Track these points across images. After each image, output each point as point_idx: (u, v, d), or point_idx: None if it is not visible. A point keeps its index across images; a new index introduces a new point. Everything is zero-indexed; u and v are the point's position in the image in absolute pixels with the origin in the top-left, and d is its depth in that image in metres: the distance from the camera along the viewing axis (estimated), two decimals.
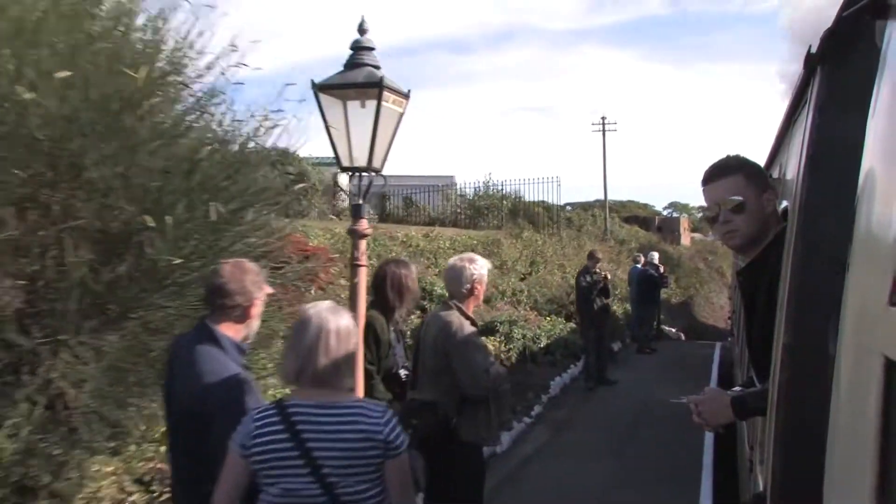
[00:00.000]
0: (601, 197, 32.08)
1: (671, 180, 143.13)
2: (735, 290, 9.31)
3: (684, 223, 35.45)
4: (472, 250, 12.37)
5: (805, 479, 1.46)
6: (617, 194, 60.49)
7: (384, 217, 20.32)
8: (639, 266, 15.41)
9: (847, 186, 1.21)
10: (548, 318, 12.72)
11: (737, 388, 2.43)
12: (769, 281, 1.93)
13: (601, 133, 32.94)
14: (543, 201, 21.54)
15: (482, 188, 20.64)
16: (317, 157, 23.17)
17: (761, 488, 2.06)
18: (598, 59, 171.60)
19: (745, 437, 3.32)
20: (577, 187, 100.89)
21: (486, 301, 11.69)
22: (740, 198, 2.03)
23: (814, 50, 1.70)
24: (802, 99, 2.07)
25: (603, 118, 33.06)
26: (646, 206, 49.40)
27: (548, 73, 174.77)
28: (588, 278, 10.94)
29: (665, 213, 50.99)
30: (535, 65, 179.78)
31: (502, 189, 20.59)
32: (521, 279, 14.27)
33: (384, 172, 3.98)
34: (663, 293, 17.15)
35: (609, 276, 11.34)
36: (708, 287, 26.74)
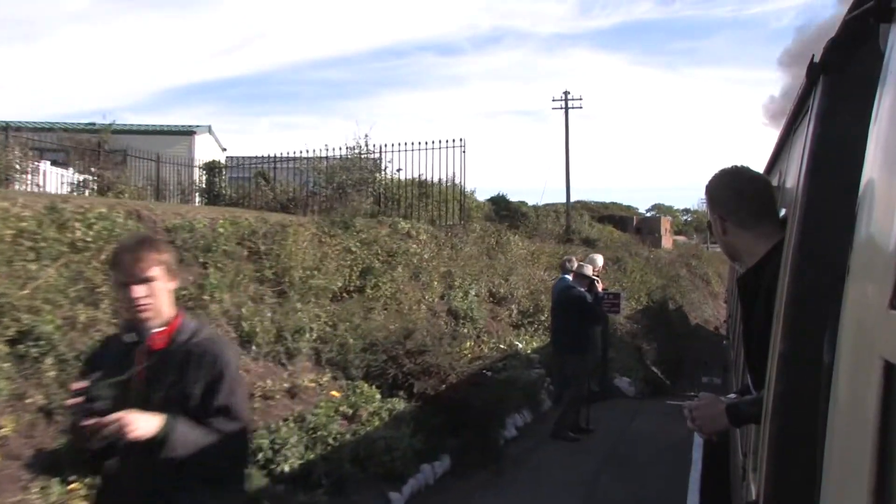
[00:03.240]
0: (581, 199, 31.24)
1: (657, 184, 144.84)
2: (732, 296, 9.38)
3: (666, 224, 35.08)
4: (209, 250, 7.18)
5: (799, 487, 1.54)
6: (600, 196, 60.95)
7: (214, 198, 15.87)
8: (568, 278, 9.05)
9: (848, 194, 1.25)
10: (368, 390, 7.11)
11: (732, 395, 2.52)
12: (768, 289, 2.03)
13: (563, 111, 30.00)
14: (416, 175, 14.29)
15: (348, 156, 14.01)
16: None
17: (754, 496, 2.13)
18: (588, 63, 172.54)
19: (737, 444, 3.41)
20: (561, 191, 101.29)
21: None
22: (708, 219, 2.36)
23: (817, 59, 1.79)
24: (804, 107, 2.16)
25: (565, 93, 30.08)
26: (629, 208, 49.83)
27: (536, 76, 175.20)
28: None
29: (648, 215, 51.40)
30: (524, 68, 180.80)
31: (380, 158, 14.06)
32: (335, 299, 8.41)
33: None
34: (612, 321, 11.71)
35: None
36: (690, 297, 24.45)
